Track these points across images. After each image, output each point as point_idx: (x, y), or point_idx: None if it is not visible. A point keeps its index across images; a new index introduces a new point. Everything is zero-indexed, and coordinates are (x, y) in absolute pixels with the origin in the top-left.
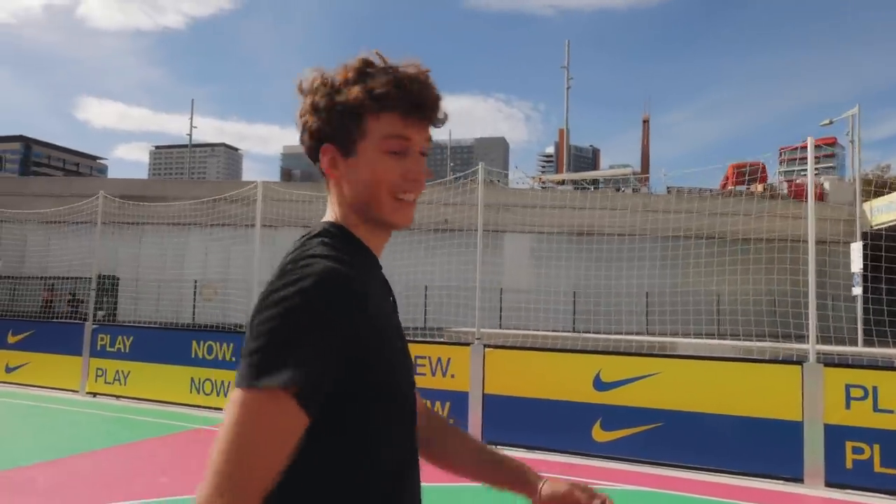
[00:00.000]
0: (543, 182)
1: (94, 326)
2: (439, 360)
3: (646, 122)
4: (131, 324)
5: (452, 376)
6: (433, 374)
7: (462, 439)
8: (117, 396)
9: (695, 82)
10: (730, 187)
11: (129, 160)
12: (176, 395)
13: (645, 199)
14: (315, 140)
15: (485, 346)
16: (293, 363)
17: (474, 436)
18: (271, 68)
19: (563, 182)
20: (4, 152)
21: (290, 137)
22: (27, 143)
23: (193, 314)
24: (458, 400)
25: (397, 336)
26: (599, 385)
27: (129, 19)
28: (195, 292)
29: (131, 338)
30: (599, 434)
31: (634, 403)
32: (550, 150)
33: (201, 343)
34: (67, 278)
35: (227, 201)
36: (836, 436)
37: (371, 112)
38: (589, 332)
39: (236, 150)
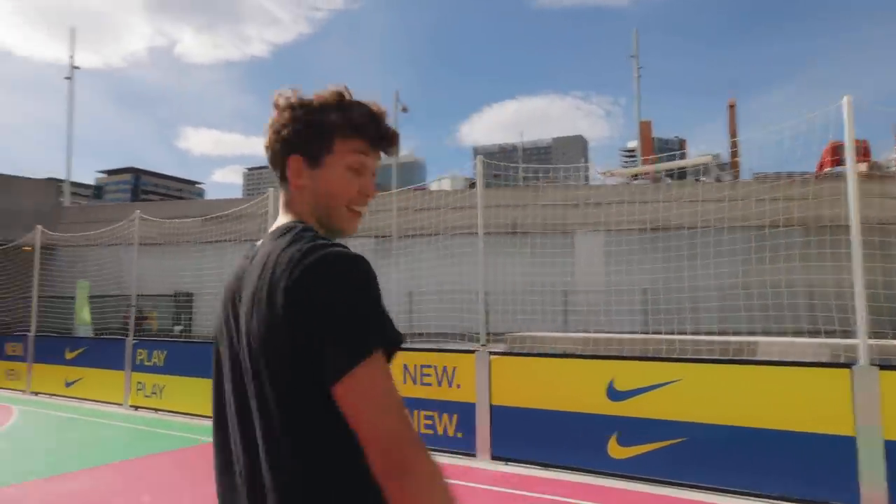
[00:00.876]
0: (613, 175)
1: (134, 342)
2: (444, 369)
3: (732, 107)
4: (164, 339)
5: (458, 386)
6: (439, 384)
7: None
8: (155, 409)
9: (789, 62)
10: (826, 169)
11: (224, 183)
12: (206, 409)
13: (721, 187)
14: (285, 149)
15: (490, 353)
16: (378, 325)
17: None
18: (350, 86)
19: (636, 176)
20: (117, 183)
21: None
22: (136, 173)
23: None
24: (465, 412)
25: None
26: (613, 394)
27: (219, 52)
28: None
29: (165, 352)
30: (616, 450)
31: (653, 415)
32: (632, 144)
33: None
34: (147, 295)
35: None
36: None
37: (342, 135)
38: (660, 333)
39: None
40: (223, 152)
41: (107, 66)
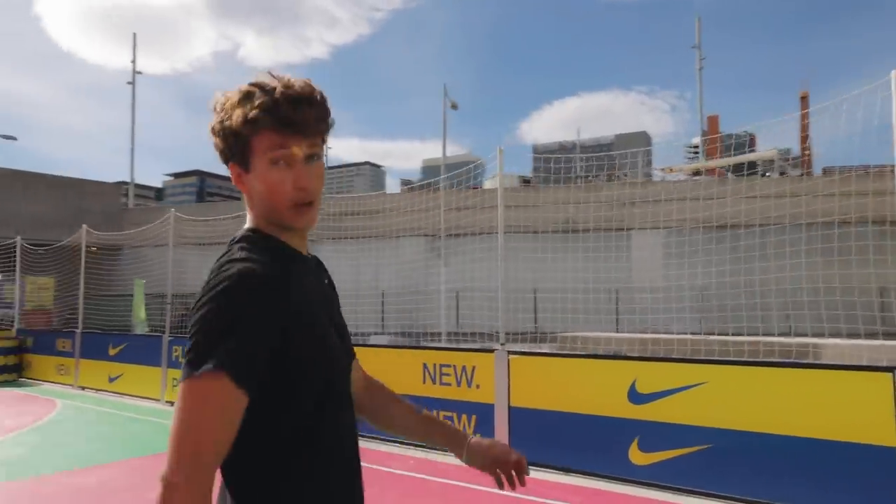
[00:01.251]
0: (672, 172)
1: (170, 339)
2: (464, 368)
3: (804, 98)
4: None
5: (477, 387)
6: (458, 384)
7: (406, 408)
8: None
9: (865, 52)
10: None
11: None
12: None
13: (784, 182)
14: (223, 158)
15: (509, 352)
16: (224, 350)
17: (413, 404)
18: (409, 85)
19: (697, 172)
20: (182, 185)
21: (429, 151)
22: (202, 176)
23: None
24: (484, 413)
25: (328, 318)
26: (635, 397)
27: (280, 55)
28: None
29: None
30: (637, 456)
31: (677, 420)
32: (698, 139)
33: None
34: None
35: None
36: None
37: (251, 134)
38: (714, 334)
39: (380, 167)
40: None
41: (174, 70)
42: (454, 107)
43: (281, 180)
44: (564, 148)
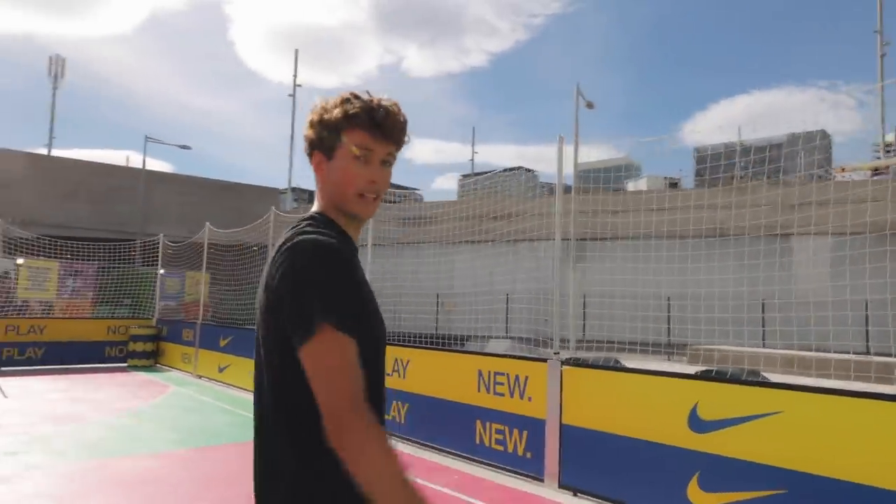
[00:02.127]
0: (845, 172)
1: None
2: (517, 378)
3: None
4: None
5: (529, 399)
6: (511, 395)
7: None
8: None
9: None
10: None
11: (441, 189)
12: None
13: None
14: (310, 147)
15: (562, 362)
16: (332, 306)
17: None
18: (566, 89)
19: (877, 170)
20: None
21: (583, 154)
22: None
23: (436, 325)
24: (536, 429)
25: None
26: (696, 424)
27: (441, 65)
28: (438, 305)
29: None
30: (697, 494)
31: (744, 455)
32: (891, 137)
33: None
34: None
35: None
36: None
37: (345, 128)
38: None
39: (533, 171)
40: (443, 160)
41: (343, 84)
42: (590, 106)
43: (358, 173)
44: (729, 149)
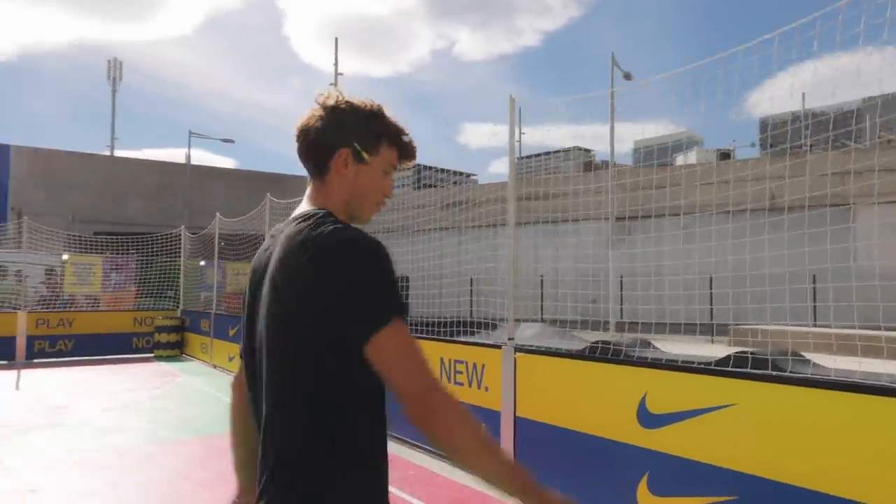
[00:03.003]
0: None
1: None
2: (474, 366)
3: None
4: None
5: (486, 389)
6: (469, 385)
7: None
8: None
9: None
10: None
11: (496, 173)
12: None
13: None
14: (338, 142)
15: (515, 349)
16: (398, 298)
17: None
18: (623, 65)
19: None
20: (399, 178)
21: (642, 131)
22: (417, 168)
23: (471, 309)
24: (492, 423)
25: None
26: (646, 418)
27: (493, 47)
28: (472, 288)
29: None
30: (646, 498)
31: (694, 454)
32: None
33: None
34: None
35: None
36: None
37: (387, 142)
38: None
39: (589, 150)
40: (497, 144)
41: (396, 72)
42: (627, 77)
43: (383, 186)
44: (797, 118)
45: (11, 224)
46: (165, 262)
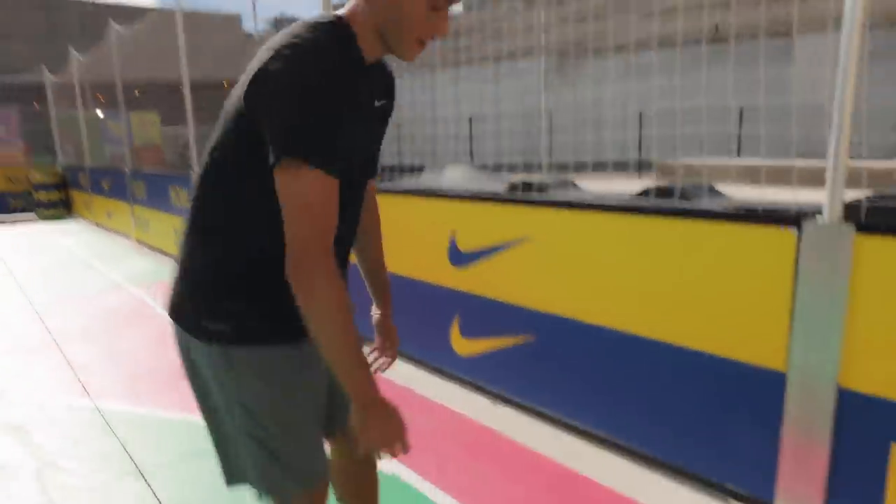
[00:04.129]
0: None
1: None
2: None
3: None
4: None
5: None
6: None
7: (374, 257)
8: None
9: None
10: None
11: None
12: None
13: None
14: None
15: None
16: (307, 138)
17: (380, 256)
18: None
19: None
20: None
21: None
22: None
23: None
24: None
25: (368, 133)
26: (456, 256)
27: None
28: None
29: (142, 183)
30: (459, 342)
31: (497, 294)
32: None
33: None
34: None
35: None
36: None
37: None
38: None
39: None
40: None
41: None
42: None
43: (427, 20)
44: None
45: None
46: (60, 115)
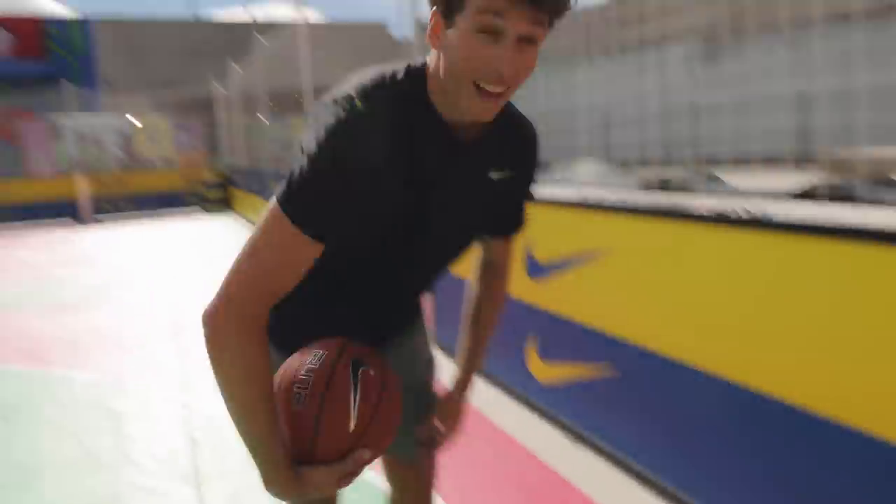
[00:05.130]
0: None
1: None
2: None
3: None
4: None
5: None
6: None
7: (483, 330)
8: None
9: None
10: None
11: None
12: None
13: None
14: (430, 2)
15: None
16: (310, 202)
17: (483, 332)
18: None
19: None
20: None
21: None
22: None
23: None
24: None
25: (458, 202)
26: (533, 268)
27: None
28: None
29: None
30: (536, 365)
31: (573, 314)
32: None
33: None
34: None
35: None
36: None
37: None
38: None
39: None
40: None
41: None
42: None
43: (479, 51)
44: None
45: (100, 94)
46: (231, 122)
